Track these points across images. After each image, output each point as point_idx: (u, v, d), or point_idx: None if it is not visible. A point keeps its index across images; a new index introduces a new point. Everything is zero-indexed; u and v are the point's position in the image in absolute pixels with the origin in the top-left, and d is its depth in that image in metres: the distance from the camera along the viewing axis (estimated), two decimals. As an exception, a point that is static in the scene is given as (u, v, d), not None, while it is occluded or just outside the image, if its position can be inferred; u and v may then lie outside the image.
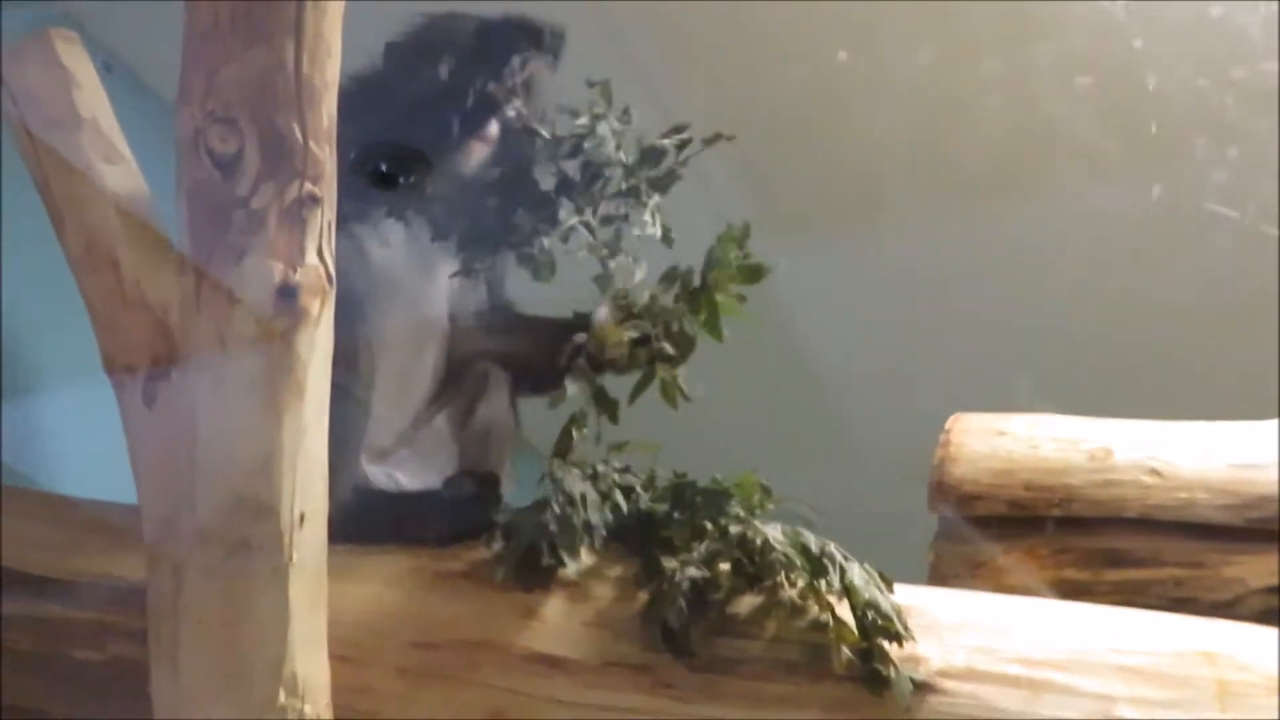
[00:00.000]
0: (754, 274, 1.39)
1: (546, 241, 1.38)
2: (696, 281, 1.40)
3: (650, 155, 1.41)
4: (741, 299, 1.40)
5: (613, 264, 1.40)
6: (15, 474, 1.75)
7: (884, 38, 2.06)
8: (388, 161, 1.47)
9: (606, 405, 1.37)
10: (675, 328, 1.39)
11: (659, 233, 1.41)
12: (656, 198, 1.41)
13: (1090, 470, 1.45)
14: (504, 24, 1.52)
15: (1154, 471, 1.43)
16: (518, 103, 1.50)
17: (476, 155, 1.48)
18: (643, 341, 1.38)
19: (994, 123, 2.10)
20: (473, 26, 1.53)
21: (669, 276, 1.40)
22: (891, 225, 2.16)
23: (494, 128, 1.48)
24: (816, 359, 2.55)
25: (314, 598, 1.10)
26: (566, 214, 1.38)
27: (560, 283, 1.53)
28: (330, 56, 1.05)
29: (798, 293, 2.43)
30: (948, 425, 1.55)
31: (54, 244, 1.32)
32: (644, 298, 1.39)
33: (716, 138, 1.42)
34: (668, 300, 1.39)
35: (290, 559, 1.06)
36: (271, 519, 1.05)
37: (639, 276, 1.40)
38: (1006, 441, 1.52)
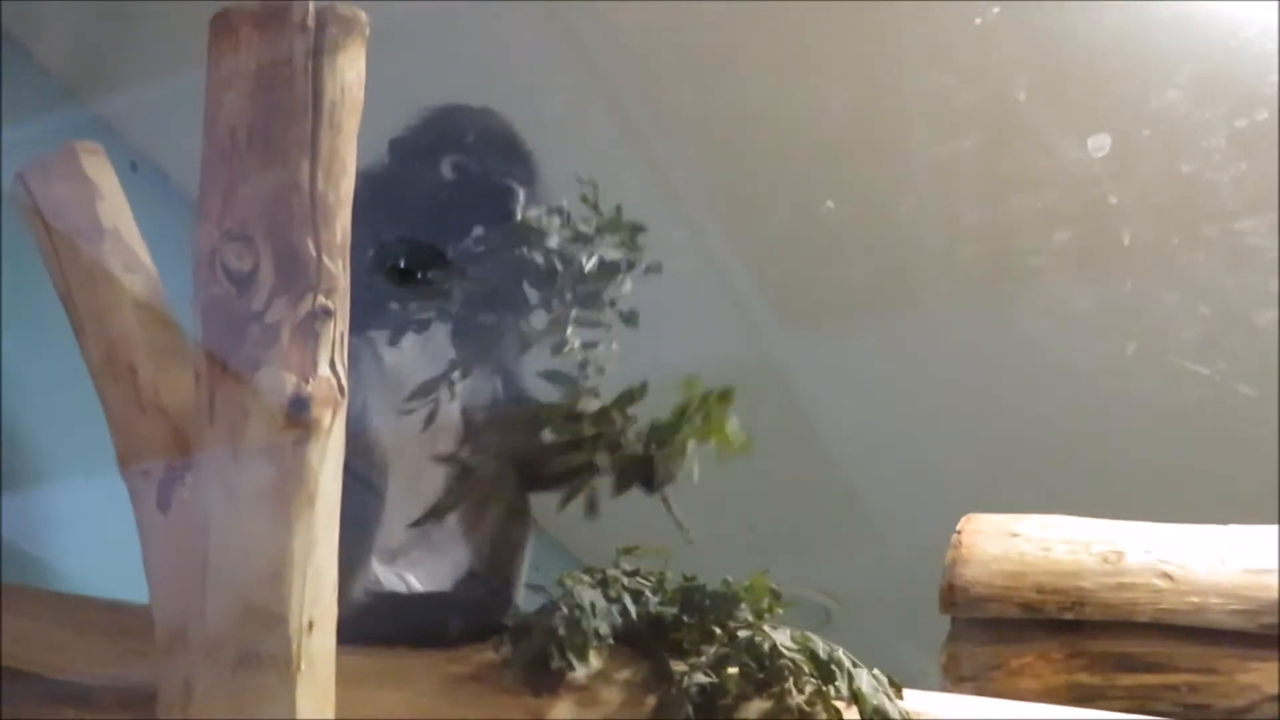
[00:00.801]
0: (726, 441, 1.40)
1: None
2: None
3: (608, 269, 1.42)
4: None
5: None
6: (26, 556, 1.76)
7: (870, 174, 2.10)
8: (402, 258, 1.49)
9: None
10: (617, 449, 1.40)
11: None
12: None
13: (1102, 573, 1.45)
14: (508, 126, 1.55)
15: (1166, 575, 1.43)
16: (526, 197, 1.52)
17: (486, 252, 1.50)
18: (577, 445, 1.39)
19: (973, 269, 2.15)
20: (482, 121, 1.56)
21: (624, 399, 1.41)
22: (911, 320, 2.18)
23: (502, 224, 1.50)
24: (834, 450, 2.56)
25: (321, 704, 1.10)
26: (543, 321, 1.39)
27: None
28: (345, 174, 1.08)
29: (816, 383, 2.45)
30: (959, 526, 1.55)
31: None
32: (592, 407, 1.40)
33: (657, 266, 1.43)
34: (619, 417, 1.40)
35: (299, 667, 1.06)
36: (281, 628, 1.05)
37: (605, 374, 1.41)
38: (1019, 543, 1.51)
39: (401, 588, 1.44)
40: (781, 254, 2.22)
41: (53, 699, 1.34)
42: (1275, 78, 1.84)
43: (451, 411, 1.48)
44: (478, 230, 1.46)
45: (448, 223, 1.48)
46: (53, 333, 1.47)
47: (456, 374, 1.41)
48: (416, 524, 1.42)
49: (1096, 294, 2.14)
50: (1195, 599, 1.41)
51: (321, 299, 1.05)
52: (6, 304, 1.71)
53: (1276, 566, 1.40)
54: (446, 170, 1.52)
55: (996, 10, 1.87)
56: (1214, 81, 1.90)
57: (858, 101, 2.00)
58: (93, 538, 1.77)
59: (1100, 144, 1.94)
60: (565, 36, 1.96)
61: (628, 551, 1.41)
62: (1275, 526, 1.45)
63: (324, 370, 1.06)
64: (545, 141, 1.60)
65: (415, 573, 1.46)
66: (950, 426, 2.48)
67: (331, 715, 1.12)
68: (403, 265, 1.48)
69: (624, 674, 1.34)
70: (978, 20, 1.87)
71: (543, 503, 1.57)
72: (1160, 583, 1.42)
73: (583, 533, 1.51)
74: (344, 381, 1.08)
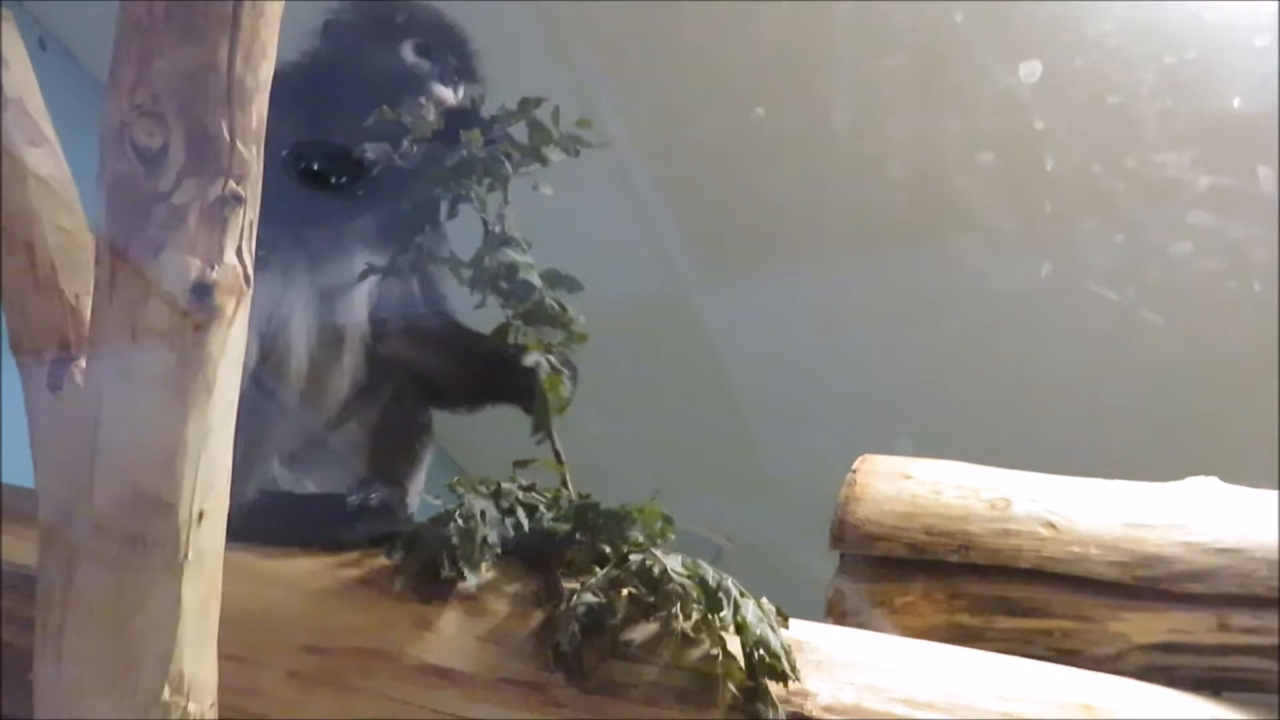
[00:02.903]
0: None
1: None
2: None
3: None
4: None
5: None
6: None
7: (805, 92, 2.10)
8: (319, 161, 1.46)
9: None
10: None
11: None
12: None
13: (989, 519, 1.48)
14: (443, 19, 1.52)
15: (1050, 525, 1.46)
16: (453, 97, 1.50)
17: (405, 154, 1.47)
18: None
19: (901, 183, 2.17)
20: (420, 15, 1.53)
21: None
22: (813, 268, 2.20)
23: (426, 124, 1.47)
24: (735, 389, 2.58)
25: (207, 596, 1.09)
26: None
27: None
28: (265, 58, 1.05)
29: (720, 324, 2.47)
30: (855, 465, 1.57)
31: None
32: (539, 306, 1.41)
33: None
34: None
35: (185, 556, 1.05)
36: (169, 515, 1.04)
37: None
38: (911, 485, 1.54)
39: (298, 489, 1.43)
40: (704, 187, 2.23)
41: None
42: (1204, 20, 1.88)
43: (360, 316, 1.47)
44: (404, 126, 1.44)
45: (394, 101, 1.45)
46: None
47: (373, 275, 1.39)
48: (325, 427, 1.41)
49: (1016, 216, 2.18)
50: (1076, 549, 1.44)
51: (232, 184, 1.02)
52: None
53: (1155, 523, 1.44)
54: (407, 53, 1.48)
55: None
56: (1147, 17, 1.93)
57: (794, 15, 2.00)
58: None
59: (1032, 70, 1.97)
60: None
61: (522, 465, 1.41)
62: (1157, 484, 1.49)
63: (230, 258, 1.04)
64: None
65: (312, 477, 1.45)
66: (857, 370, 2.51)
67: (216, 609, 1.11)
68: (318, 168, 1.45)
69: (514, 587, 1.35)
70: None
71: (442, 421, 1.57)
72: (1044, 531, 1.46)
73: (481, 454, 1.51)
74: (250, 271, 1.05)
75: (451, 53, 1.51)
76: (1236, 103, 1.98)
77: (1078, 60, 1.98)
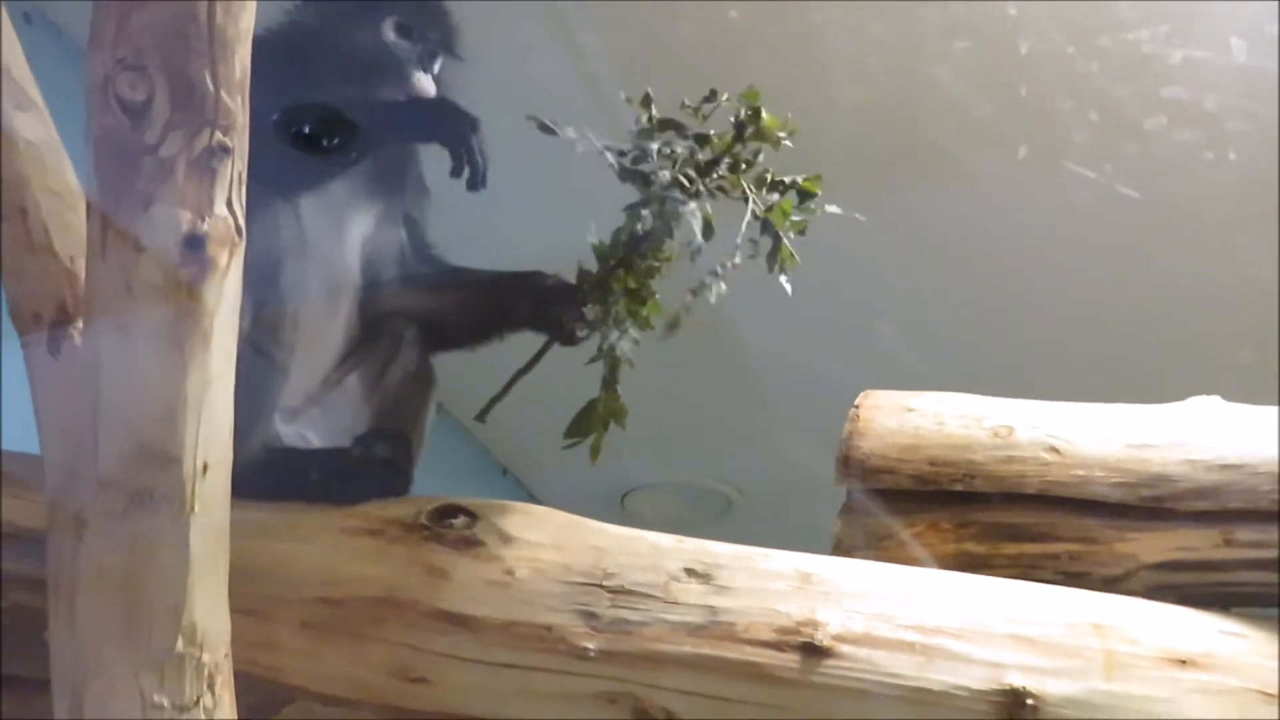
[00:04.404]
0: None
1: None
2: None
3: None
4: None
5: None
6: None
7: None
8: (310, 124, 1.46)
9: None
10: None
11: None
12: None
13: (993, 447, 1.48)
14: None
15: (1053, 449, 1.46)
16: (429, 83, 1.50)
17: (400, 116, 1.48)
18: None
19: (879, 78, 2.17)
20: None
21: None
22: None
23: (418, 88, 1.47)
24: (737, 339, 2.58)
25: (216, 549, 1.10)
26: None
27: (474, 242, 1.54)
28: (244, 8, 1.05)
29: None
30: (858, 401, 1.58)
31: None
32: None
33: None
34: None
35: (192, 509, 1.06)
36: (174, 468, 1.05)
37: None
38: (914, 418, 1.54)
39: (302, 444, 1.44)
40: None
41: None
42: None
43: (352, 267, 1.47)
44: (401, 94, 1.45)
45: (370, 82, 1.45)
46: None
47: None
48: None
49: (993, 101, 2.17)
50: (1080, 472, 1.44)
51: (219, 135, 1.03)
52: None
53: (1159, 442, 1.44)
54: (387, 32, 1.48)
55: None
56: None
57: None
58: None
59: None
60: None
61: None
62: (1158, 406, 1.49)
63: (220, 209, 1.04)
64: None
65: (316, 430, 1.46)
66: (850, 302, 2.51)
67: (225, 561, 1.12)
68: (311, 130, 1.46)
69: (524, 533, 1.35)
70: None
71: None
72: (1048, 456, 1.46)
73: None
74: (241, 222, 1.06)
75: (432, 30, 1.51)
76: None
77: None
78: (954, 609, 1.32)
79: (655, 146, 1.40)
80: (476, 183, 1.39)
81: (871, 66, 2.11)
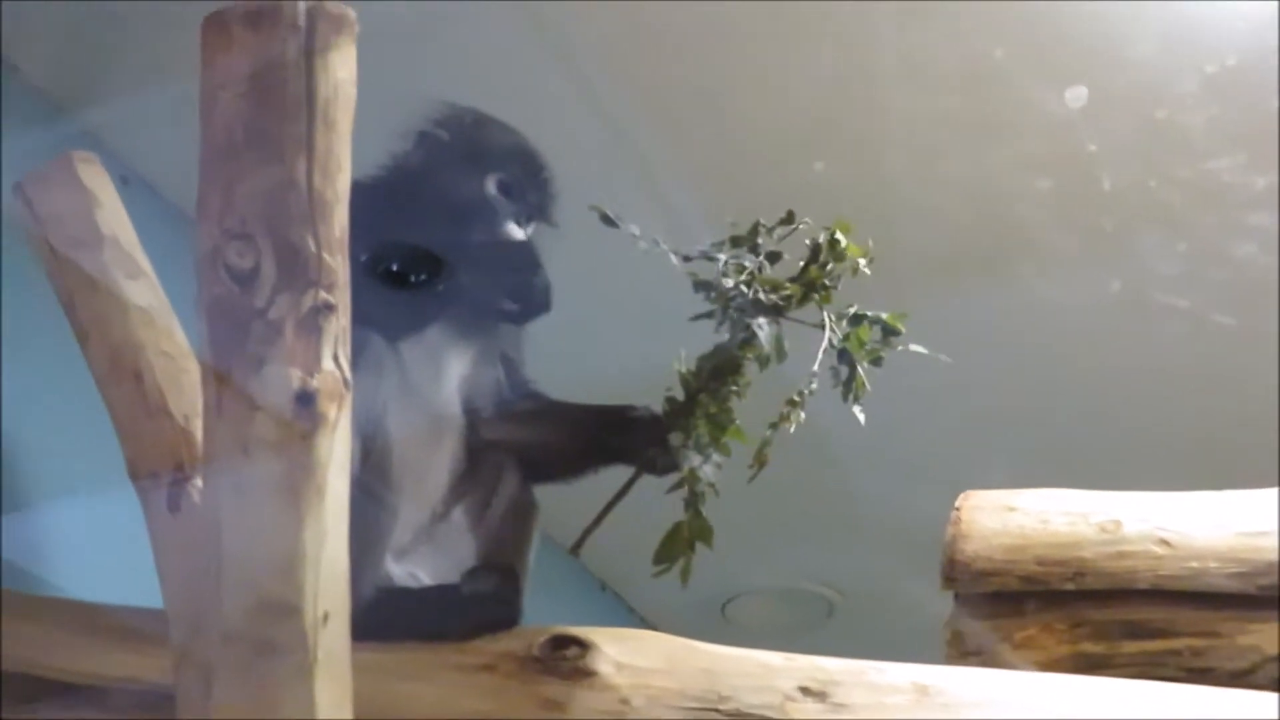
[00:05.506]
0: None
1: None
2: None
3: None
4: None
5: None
6: (26, 574, 1.76)
7: (856, 142, 2.13)
8: (401, 262, 1.50)
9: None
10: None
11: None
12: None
13: (1101, 543, 1.46)
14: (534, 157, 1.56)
15: (1164, 542, 1.44)
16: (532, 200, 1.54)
17: (491, 253, 1.51)
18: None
19: (961, 219, 2.19)
20: (517, 141, 1.57)
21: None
22: (884, 309, 2.24)
23: (510, 230, 1.51)
24: (824, 435, 2.57)
25: (339, 695, 1.11)
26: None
27: (570, 368, 1.57)
28: (340, 170, 1.09)
29: (800, 372, 2.47)
30: (958, 503, 1.56)
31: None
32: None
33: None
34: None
35: (315, 658, 1.07)
36: (296, 619, 1.07)
37: None
38: (1017, 517, 1.53)
39: (412, 583, 1.45)
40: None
41: (70, 703, 1.35)
42: (1241, 24, 1.89)
43: (453, 406, 1.50)
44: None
45: (472, 232, 1.49)
46: (51, 350, 1.48)
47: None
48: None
49: (1080, 239, 2.18)
50: (1194, 564, 1.42)
51: (323, 294, 1.06)
52: (6, 321, 1.72)
53: (1272, 529, 1.41)
54: (490, 187, 1.52)
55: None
56: (1184, 32, 1.95)
57: (838, 68, 2.03)
58: (94, 554, 1.78)
59: (1077, 95, 1.99)
60: (544, 34, 1.99)
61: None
62: (1271, 490, 1.46)
63: (328, 364, 1.07)
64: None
65: (425, 567, 1.47)
66: (945, 407, 2.50)
67: (350, 707, 1.13)
68: (398, 268, 1.49)
69: (635, 661, 1.35)
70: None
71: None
72: (1158, 549, 1.44)
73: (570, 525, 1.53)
74: (348, 375, 1.09)
75: (533, 194, 1.55)
76: (1282, 99, 1.99)
77: (1120, 80, 2.01)
78: (1076, 714, 1.29)
79: (724, 258, 1.42)
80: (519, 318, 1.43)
81: (951, 209, 2.14)
